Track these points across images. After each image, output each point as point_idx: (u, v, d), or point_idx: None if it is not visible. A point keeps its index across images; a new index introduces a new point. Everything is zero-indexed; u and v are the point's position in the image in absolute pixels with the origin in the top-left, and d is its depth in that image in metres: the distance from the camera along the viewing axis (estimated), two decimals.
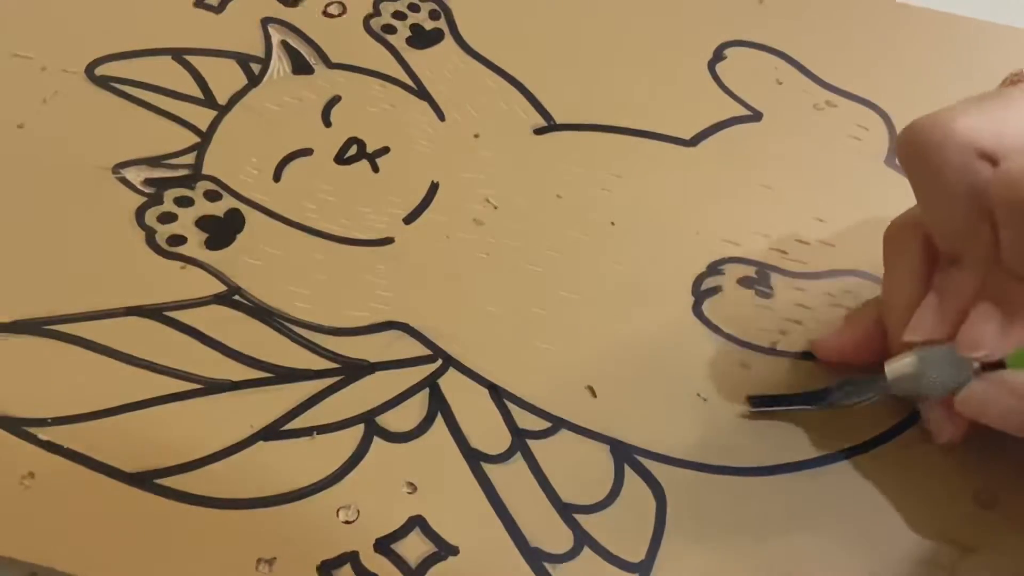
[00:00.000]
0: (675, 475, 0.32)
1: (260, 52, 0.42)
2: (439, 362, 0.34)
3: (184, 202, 0.38)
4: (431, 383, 0.34)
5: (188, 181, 0.38)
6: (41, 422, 0.32)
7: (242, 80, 0.41)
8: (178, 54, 0.42)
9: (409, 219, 0.38)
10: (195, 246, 0.37)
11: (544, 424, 0.33)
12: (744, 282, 0.37)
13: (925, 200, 0.30)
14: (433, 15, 0.44)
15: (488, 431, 0.33)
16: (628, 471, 0.32)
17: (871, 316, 0.33)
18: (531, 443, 0.33)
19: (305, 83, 0.41)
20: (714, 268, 0.37)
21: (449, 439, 0.33)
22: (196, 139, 0.39)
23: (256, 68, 0.41)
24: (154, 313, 0.35)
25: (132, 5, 0.43)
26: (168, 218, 0.37)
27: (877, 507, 0.32)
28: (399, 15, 0.44)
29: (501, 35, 0.43)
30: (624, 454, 0.33)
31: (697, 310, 0.36)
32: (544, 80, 0.41)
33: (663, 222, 0.38)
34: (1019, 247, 0.27)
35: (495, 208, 0.38)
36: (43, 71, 0.41)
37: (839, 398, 0.33)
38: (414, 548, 0.31)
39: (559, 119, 0.41)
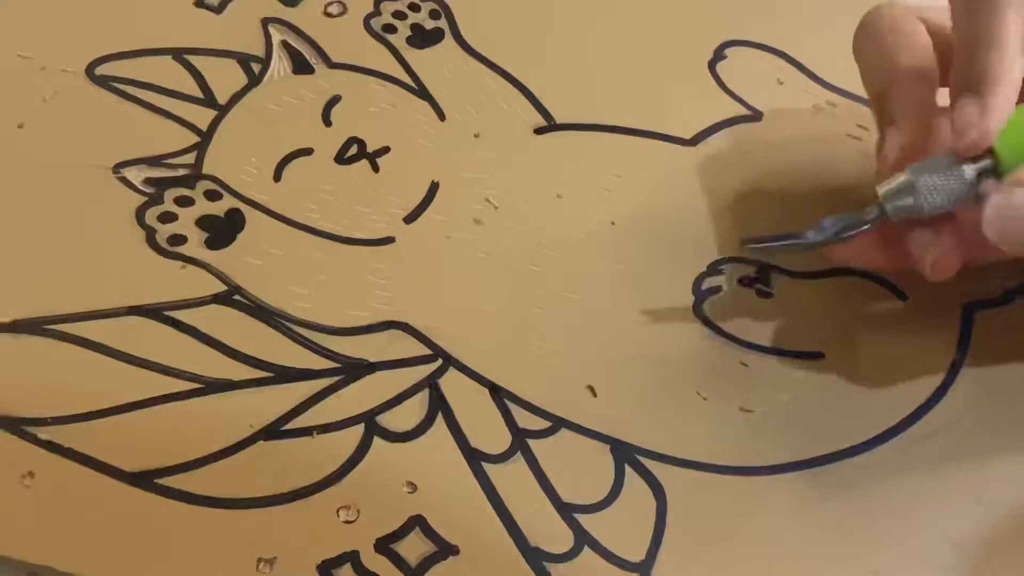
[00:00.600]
0: (675, 475, 0.32)
1: (260, 52, 0.42)
2: (439, 362, 0.34)
3: (184, 202, 0.38)
4: (431, 383, 0.34)
5: (188, 181, 0.38)
6: (41, 422, 0.32)
7: (242, 80, 0.41)
8: (178, 54, 0.42)
9: (409, 219, 0.38)
10: (195, 246, 0.37)
11: (544, 424, 0.33)
12: (745, 282, 0.37)
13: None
14: (433, 15, 0.44)
15: (488, 431, 0.33)
16: (628, 471, 0.32)
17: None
18: (531, 443, 0.33)
19: (305, 83, 0.41)
20: (714, 268, 0.37)
21: (449, 439, 0.33)
22: (196, 139, 0.39)
23: (256, 68, 0.41)
24: (154, 313, 0.35)
25: (132, 5, 0.43)
26: (168, 218, 0.37)
27: (877, 507, 0.32)
28: (399, 15, 0.44)
29: (501, 35, 0.43)
30: (624, 454, 0.33)
31: (697, 310, 0.36)
32: (544, 80, 0.41)
33: (663, 222, 0.38)
34: None
35: (495, 208, 0.38)
36: (43, 71, 0.41)
37: (834, 230, 0.32)
38: (414, 548, 0.31)
39: (559, 119, 0.41)
